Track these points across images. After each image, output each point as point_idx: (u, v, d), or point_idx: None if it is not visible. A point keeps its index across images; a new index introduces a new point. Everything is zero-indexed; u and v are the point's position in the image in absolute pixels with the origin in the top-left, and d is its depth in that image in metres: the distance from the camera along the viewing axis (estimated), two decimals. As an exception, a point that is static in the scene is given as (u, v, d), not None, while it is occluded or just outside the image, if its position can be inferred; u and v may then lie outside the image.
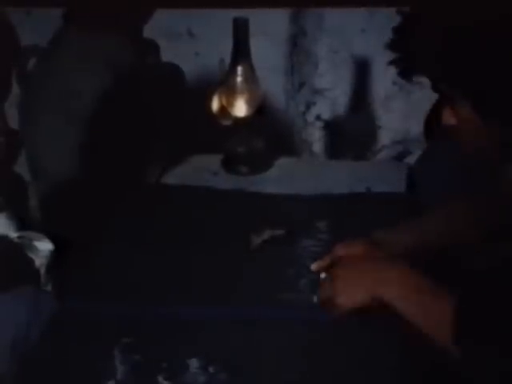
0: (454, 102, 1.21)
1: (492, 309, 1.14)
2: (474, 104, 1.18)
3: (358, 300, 1.31)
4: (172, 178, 1.93)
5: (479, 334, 1.14)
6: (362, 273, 1.34)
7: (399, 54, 1.24)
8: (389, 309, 1.29)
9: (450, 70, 1.18)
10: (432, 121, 1.92)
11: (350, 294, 1.32)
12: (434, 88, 1.25)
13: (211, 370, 1.29)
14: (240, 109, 1.88)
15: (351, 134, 2.18)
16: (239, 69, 1.86)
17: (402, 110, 2.15)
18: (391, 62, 1.25)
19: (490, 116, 1.18)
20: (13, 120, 2.01)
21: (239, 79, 1.86)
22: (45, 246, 1.51)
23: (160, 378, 1.28)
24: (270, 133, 1.98)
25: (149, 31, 2.07)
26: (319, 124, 2.19)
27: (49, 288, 1.50)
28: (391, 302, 1.27)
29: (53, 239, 1.53)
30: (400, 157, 2.18)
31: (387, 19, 2.06)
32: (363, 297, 1.30)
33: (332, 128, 2.19)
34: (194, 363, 1.30)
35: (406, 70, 1.25)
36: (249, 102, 1.88)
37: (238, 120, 1.90)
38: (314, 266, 1.42)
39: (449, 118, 1.24)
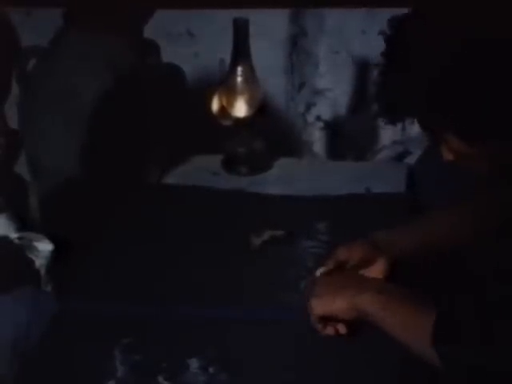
0: (446, 138, 1.22)
1: (470, 318, 1.15)
2: (460, 135, 1.19)
3: (333, 307, 1.32)
4: (172, 177, 1.93)
5: (457, 342, 1.15)
6: (342, 280, 1.35)
7: (383, 104, 1.26)
8: (360, 323, 1.30)
9: (432, 107, 1.19)
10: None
11: (327, 299, 1.33)
12: (424, 128, 1.26)
13: (211, 370, 1.30)
14: (240, 109, 1.88)
15: (351, 134, 2.18)
16: (239, 69, 1.86)
17: (401, 111, 2.15)
18: (377, 115, 1.27)
19: (477, 141, 1.19)
20: (13, 120, 2.01)
21: (239, 79, 1.86)
22: (45, 246, 1.51)
23: (160, 378, 1.28)
24: (270, 133, 1.98)
25: (149, 31, 2.07)
26: (319, 124, 2.20)
27: (49, 288, 1.50)
28: (368, 310, 1.27)
29: (53, 239, 1.53)
30: (400, 157, 2.18)
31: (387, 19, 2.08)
32: (339, 305, 1.31)
33: (332, 128, 2.19)
34: (194, 363, 1.31)
35: (392, 117, 1.27)
36: (249, 103, 1.88)
37: (238, 120, 1.90)
38: (319, 272, 1.42)
39: (447, 154, 1.26)
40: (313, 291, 1.36)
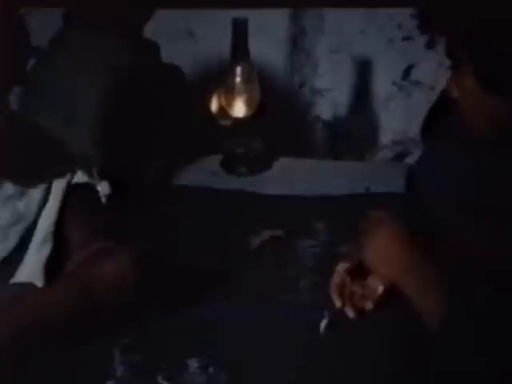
0: (461, 71, 1.21)
1: None
2: (478, 70, 1.18)
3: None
4: (171, 177, 1.92)
5: None
6: None
7: (421, 8, 1.25)
8: None
9: (465, 29, 1.18)
10: (430, 122, 1.93)
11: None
12: (447, 52, 1.25)
13: (211, 370, 1.30)
14: (239, 109, 1.88)
15: (351, 134, 2.18)
16: (238, 69, 1.86)
17: (401, 111, 2.15)
18: (413, 15, 1.27)
19: (491, 87, 1.18)
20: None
21: (238, 80, 1.86)
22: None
23: (159, 378, 1.28)
24: (269, 133, 1.98)
25: (149, 31, 2.07)
26: (319, 124, 2.19)
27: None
28: None
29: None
30: (400, 157, 2.18)
31: (387, 19, 2.08)
32: None
33: (332, 128, 2.18)
34: (193, 363, 1.31)
35: (424, 22, 1.26)
36: (248, 103, 1.88)
37: (237, 120, 1.90)
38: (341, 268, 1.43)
39: (454, 89, 1.25)
40: None
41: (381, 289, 1.38)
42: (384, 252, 1.35)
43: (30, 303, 1.32)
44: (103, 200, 1.62)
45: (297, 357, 1.33)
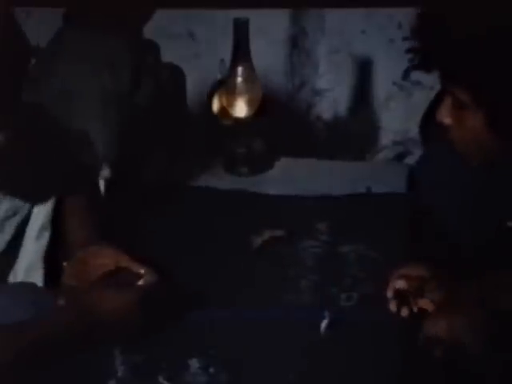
0: (459, 104, 1.19)
1: None
2: (489, 115, 1.15)
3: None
4: (172, 178, 1.92)
5: None
6: None
7: (420, 43, 1.21)
8: None
9: (470, 74, 1.15)
10: (429, 121, 1.93)
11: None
12: (444, 85, 1.21)
13: (211, 370, 1.29)
14: (240, 109, 1.88)
15: (351, 134, 2.18)
16: (239, 69, 1.86)
17: (402, 111, 2.15)
18: (409, 50, 1.23)
19: (497, 130, 1.15)
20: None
21: (239, 80, 1.86)
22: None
23: (160, 379, 1.28)
24: (270, 133, 1.98)
25: (149, 31, 2.07)
26: (319, 124, 2.19)
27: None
28: None
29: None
30: (400, 157, 2.18)
31: (387, 19, 2.08)
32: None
33: (332, 128, 2.19)
34: (194, 363, 1.30)
35: (423, 61, 1.22)
36: (249, 103, 1.88)
37: (238, 120, 1.90)
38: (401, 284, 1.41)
39: (445, 116, 1.22)
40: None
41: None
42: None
43: (29, 325, 1.32)
44: (102, 185, 1.60)
45: (297, 357, 1.33)
